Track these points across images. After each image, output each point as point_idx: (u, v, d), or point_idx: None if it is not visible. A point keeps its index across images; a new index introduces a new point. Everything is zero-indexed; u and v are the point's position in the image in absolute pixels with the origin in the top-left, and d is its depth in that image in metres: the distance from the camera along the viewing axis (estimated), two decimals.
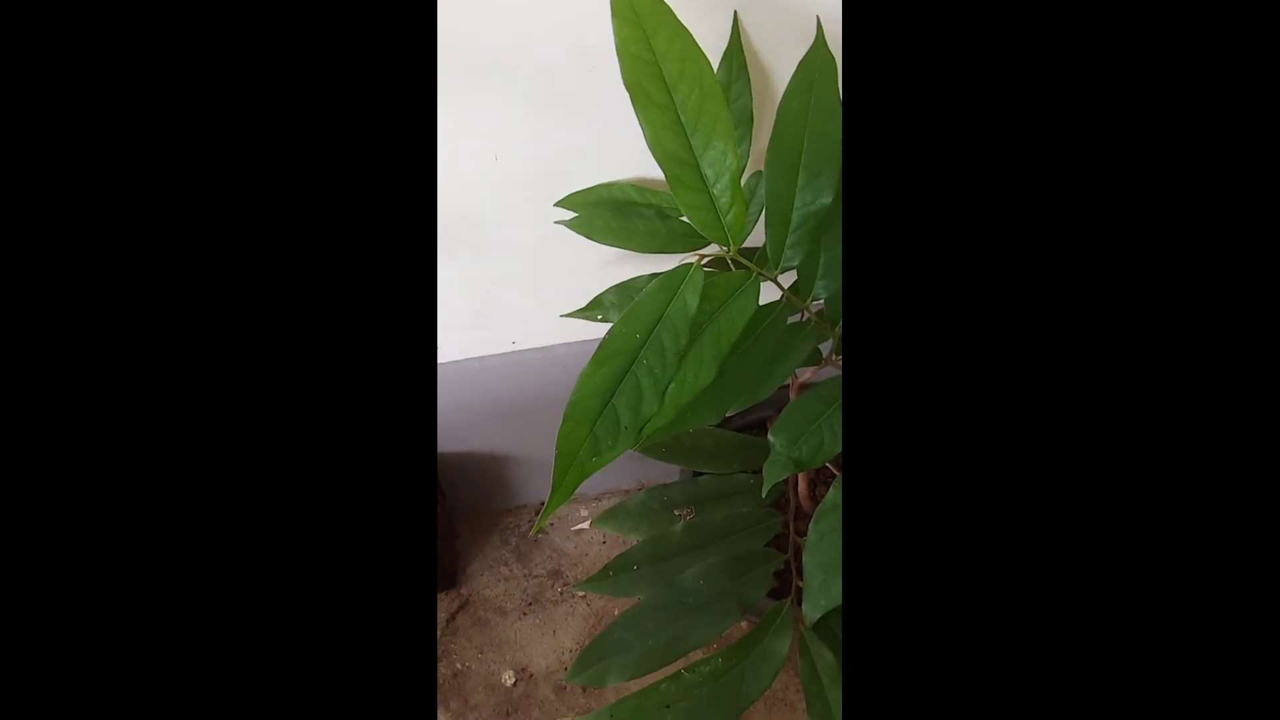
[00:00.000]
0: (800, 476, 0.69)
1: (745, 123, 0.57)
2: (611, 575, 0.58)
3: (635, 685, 0.55)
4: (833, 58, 0.47)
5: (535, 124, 0.61)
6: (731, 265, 0.50)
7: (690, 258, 0.48)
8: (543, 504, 1.05)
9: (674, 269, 0.47)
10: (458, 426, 0.86)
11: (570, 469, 0.46)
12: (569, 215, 0.62)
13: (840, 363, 0.63)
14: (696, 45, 0.44)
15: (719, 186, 0.47)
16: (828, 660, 0.51)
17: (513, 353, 0.79)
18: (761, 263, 0.51)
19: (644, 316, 0.47)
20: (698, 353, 0.48)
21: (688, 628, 0.51)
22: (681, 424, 0.50)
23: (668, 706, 0.48)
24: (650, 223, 0.61)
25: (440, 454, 0.89)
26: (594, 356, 0.46)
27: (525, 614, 0.97)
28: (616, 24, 0.44)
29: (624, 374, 0.46)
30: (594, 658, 0.51)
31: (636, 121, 0.45)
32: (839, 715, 0.49)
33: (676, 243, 0.60)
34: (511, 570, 1.00)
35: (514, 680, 0.92)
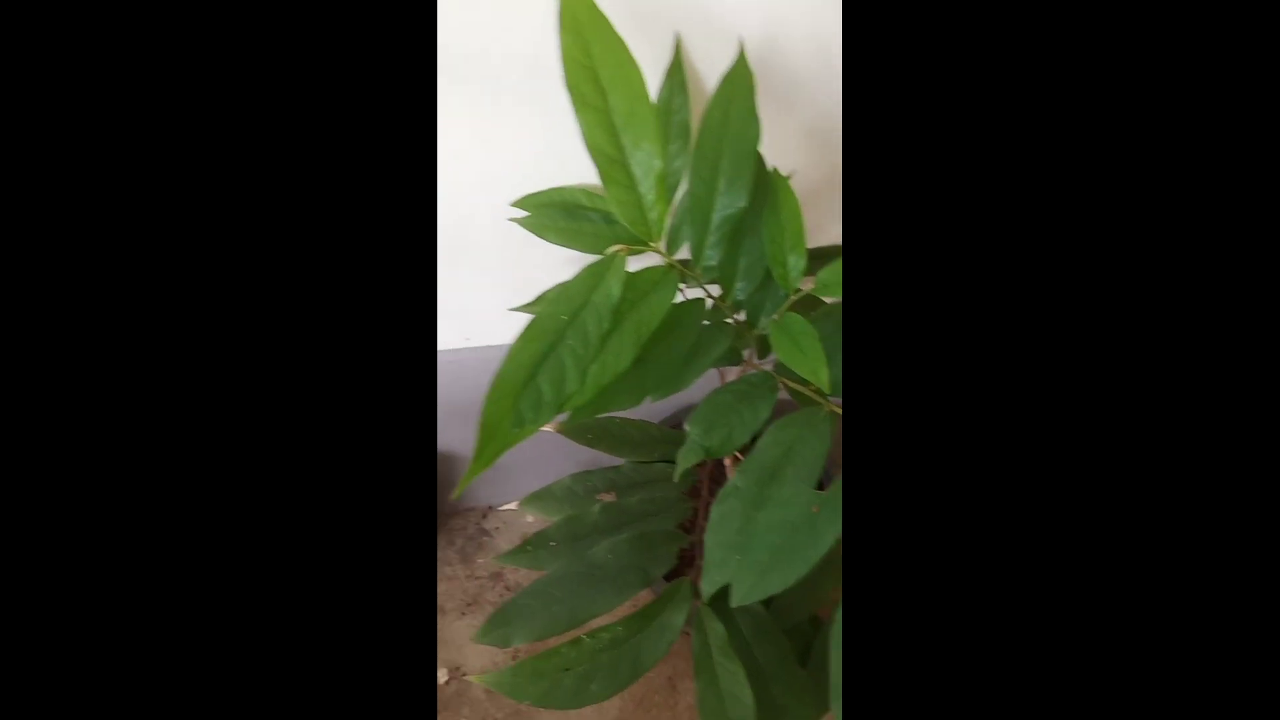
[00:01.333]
0: (730, 467, 0.72)
1: (684, 135, 0.61)
2: (530, 550, 0.60)
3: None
4: (751, 73, 0.52)
5: (494, 129, 0.65)
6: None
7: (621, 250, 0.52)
8: (490, 508, 1.08)
9: (601, 259, 0.51)
10: None
11: (493, 439, 0.49)
12: (523, 214, 0.66)
13: (757, 362, 0.67)
14: (629, 54, 0.49)
15: (645, 185, 0.51)
16: (718, 633, 0.54)
17: (467, 349, 0.83)
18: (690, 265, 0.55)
19: (571, 300, 0.51)
20: (619, 338, 0.51)
21: (592, 597, 0.54)
22: (602, 405, 0.54)
23: (567, 669, 0.51)
24: (596, 225, 0.65)
25: None
26: (522, 334, 0.50)
27: (464, 614, 0.98)
28: (562, 34, 0.48)
29: (549, 351, 0.50)
30: (502, 621, 0.53)
31: None
32: (725, 684, 0.52)
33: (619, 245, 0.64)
34: (454, 570, 1.01)
35: (447, 678, 0.94)
